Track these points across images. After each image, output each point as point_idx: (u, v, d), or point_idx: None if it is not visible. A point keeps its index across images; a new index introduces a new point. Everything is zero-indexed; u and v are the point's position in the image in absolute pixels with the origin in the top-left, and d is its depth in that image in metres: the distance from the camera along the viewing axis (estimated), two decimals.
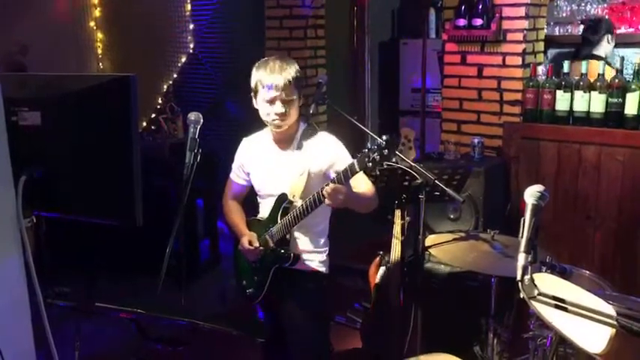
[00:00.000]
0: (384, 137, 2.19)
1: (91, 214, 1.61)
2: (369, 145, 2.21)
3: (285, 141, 2.56)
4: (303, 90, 2.53)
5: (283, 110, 2.42)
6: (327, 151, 2.50)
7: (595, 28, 4.11)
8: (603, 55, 4.05)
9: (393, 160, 2.26)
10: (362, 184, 2.47)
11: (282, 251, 2.50)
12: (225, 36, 5.37)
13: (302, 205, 2.41)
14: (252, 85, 2.48)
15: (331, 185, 2.30)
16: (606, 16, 4.44)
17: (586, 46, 4.11)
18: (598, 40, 4.07)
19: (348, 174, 2.27)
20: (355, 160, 2.24)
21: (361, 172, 2.29)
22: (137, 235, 3.23)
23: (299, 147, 2.53)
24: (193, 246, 4.58)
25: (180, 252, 4.18)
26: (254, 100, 2.51)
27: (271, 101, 2.42)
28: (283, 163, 2.54)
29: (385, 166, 2.24)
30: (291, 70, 2.42)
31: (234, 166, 2.73)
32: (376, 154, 2.17)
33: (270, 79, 2.40)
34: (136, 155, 1.51)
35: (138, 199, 1.52)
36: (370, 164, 2.19)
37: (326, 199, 2.33)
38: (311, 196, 2.38)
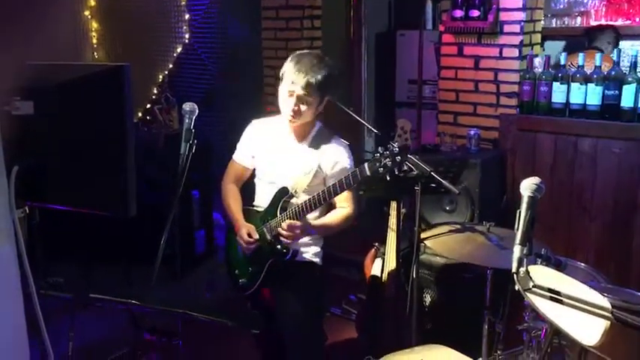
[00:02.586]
0: (397, 143, 2.19)
1: (83, 204, 1.59)
2: (380, 149, 2.20)
3: (298, 135, 2.55)
4: None
5: (296, 108, 2.41)
6: (338, 160, 2.50)
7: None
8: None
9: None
10: (342, 203, 2.50)
11: (280, 246, 2.49)
12: (221, 26, 5.34)
13: (304, 203, 2.40)
14: (281, 72, 2.46)
15: (287, 221, 2.38)
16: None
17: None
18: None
19: (357, 177, 2.27)
20: (366, 164, 2.23)
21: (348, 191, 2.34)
22: (132, 225, 3.23)
23: (311, 145, 2.53)
24: (188, 237, 4.58)
25: (176, 243, 4.19)
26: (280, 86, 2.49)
27: (289, 94, 2.42)
28: (292, 156, 2.53)
29: (397, 173, 2.22)
30: (320, 73, 2.37)
31: (239, 146, 2.69)
32: (388, 159, 2.17)
33: (293, 73, 2.39)
34: (129, 145, 1.50)
35: (131, 190, 1.51)
36: (381, 169, 2.18)
37: (283, 236, 2.40)
38: (315, 195, 2.38)
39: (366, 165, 2.23)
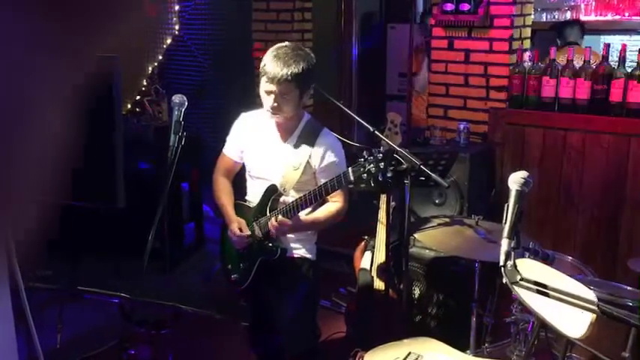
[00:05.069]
0: (382, 149, 2.17)
1: (72, 196, 1.58)
2: (365, 154, 2.18)
3: (286, 129, 2.51)
4: None
5: (276, 104, 2.36)
6: (327, 154, 2.47)
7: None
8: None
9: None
10: (334, 197, 2.48)
11: (270, 245, 2.48)
12: (211, 18, 5.31)
13: (292, 203, 2.39)
14: (260, 67, 2.41)
15: (279, 218, 2.36)
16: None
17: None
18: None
19: (342, 181, 2.26)
20: (350, 170, 2.21)
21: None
22: (121, 217, 3.21)
23: (300, 139, 2.49)
24: (178, 229, 4.55)
25: (165, 235, 4.18)
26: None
27: (267, 92, 2.37)
28: (280, 153, 2.50)
29: (381, 179, 2.18)
30: (297, 66, 2.31)
31: (228, 139, 2.66)
32: (372, 165, 2.15)
33: (270, 71, 2.32)
34: (118, 137, 1.49)
35: (120, 182, 1.50)
36: (365, 175, 2.17)
37: (271, 231, 2.39)
38: (303, 196, 2.36)
39: (350, 170, 2.21)
